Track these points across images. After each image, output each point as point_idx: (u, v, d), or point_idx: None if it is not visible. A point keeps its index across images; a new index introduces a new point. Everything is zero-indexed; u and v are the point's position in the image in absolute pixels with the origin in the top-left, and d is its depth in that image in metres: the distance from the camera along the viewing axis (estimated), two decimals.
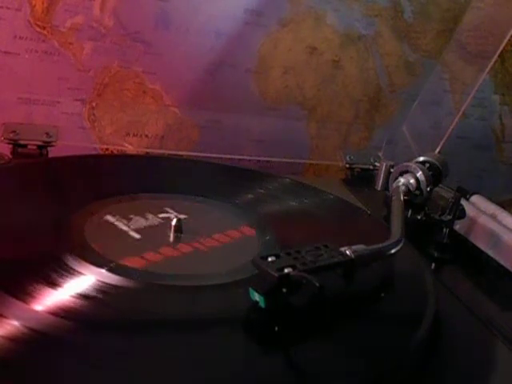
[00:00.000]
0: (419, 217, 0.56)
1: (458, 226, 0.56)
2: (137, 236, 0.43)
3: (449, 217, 0.54)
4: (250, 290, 0.33)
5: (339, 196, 0.59)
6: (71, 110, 0.67)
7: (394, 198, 0.53)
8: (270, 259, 0.35)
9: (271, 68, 0.72)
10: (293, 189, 0.59)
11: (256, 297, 0.33)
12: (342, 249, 0.38)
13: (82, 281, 0.35)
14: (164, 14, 0.65)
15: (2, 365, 0.27)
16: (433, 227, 0.55)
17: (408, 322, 0.37)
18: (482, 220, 0.55)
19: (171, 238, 0.44)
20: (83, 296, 0.33)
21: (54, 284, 0.34)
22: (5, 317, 0.30)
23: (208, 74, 0.69)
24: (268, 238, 0.46)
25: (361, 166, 0.75)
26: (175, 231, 0.44)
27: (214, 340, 0.32)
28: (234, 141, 0.74)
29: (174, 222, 0.44)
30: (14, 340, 0.29)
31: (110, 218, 0.45)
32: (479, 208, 0.58)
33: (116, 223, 0.45)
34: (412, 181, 0.56)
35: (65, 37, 0.63)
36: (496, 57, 0.72)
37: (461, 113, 0.75)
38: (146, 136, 0.71)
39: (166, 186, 0.54)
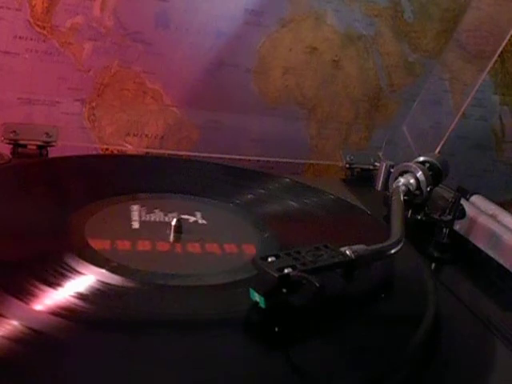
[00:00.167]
0: (419, 217, 0.56)
1: (458, 226, 0.56)
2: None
3: (449, 217, 0.54)
4: (251, 290, 0.34)
5: (339, 196, 0.59)
6: (71, 110, 0.67)
7: (393, 198, 0.53)
8: (269, 259, 0.35)
9: (271, 68, 0.72)
10: (293, 189, 0.59)
11: (256, 297, 0.33)
12: (342, 249, 0.38)
13: (82, 281, 0.35)
14: (164, 13, 0.65)
15: (2, 365, 0.27)
16: (433, 227, 0.55)
17: (408, 322, 0.37)
18: (482, 220, 0.55)
19: (171, 238, 0.44)
20: (83, 296, 0.33)
21: (54, 284, 0.34)
22: (5, 317, 0.30)
23: (208, 74, 0.69)
24: (268, 238, 0.46)
25: (361, 166, 0.75)
26: (175, 231, 0.44)
27: (214, 340, 0.32)
28: (233, 141, 0.74)
29: (173, 222, 0.44)
30: (14, 340, 0.29)
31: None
32: (479, 208, 0.58)
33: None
34: (412, 181, 0.56)
35: (65, 37, 0.63)
36: (496, 57, 0.72)
37: (461, 113, 0.75)
38: (146, 136, 0.71)
39: (166, 185, 0.54)
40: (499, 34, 0.71)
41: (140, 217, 0.46)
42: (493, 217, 0.56)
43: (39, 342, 0.29)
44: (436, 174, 0.58)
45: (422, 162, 0.58)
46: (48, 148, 0.62)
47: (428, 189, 0.56)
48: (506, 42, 0.70)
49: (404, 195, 0.54)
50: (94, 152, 0.70)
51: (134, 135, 0.71)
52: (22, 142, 0.61)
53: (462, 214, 0.56)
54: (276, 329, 0.33)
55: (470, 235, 0.55)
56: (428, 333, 0.36)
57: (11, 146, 0.61)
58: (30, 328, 0.30)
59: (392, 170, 0.60)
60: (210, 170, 0.61)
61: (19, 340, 0.29)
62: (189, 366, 0.30)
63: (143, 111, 0.70)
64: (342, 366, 0.32)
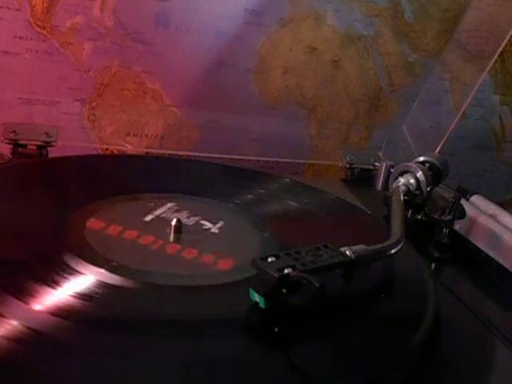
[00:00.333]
0: (419, 217, 0.56)
1: (458, 226, 0.56)
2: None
3: (449, 217, 0.54)
4: (250, 290, 0.34)
5: (339, 196, 0.59)
6: (71, 110, 0.67)
7: (393, 198, 0.53)
8: (269, 260, 0.35)
9: (271, 68, 0.72)
10: (293, 189, 0.59)
11: (256, 297, 0.33)
12: (342, 249, 0.38)
13: (82, 281, 0.35)
14: (164, 13, 0.65)
15: (2, 365, 0.27)
16: (433, 227, 0.55)
17: (408, 322, 0.37)
18: (482, 220, 0.55)
19: (171, 238, 0.44)
20: (83, 296, 0.33)
21: (53, 284, 0.34)
22: (5, 317, 0.30)
23: (208, 74, 0.69)
24: (268, 238, 0.46)
25: (361, 166, 0.75)
26: (175, 231, 0.44)
27: (214, 340, 0.32)
28: (233, 141, 0.74)
29: (173, 223, 0.44)
30: (14, 340, 0.29)
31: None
32: (479, 208, 0.58)
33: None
34: (412, 181, 0.56)
35: (65, 37, 0.63)
36: (496, 57, 0.72)
37: (461, 113, 0.75)
38: (146, 136, 0.71)
39: (166, 185, 0.54)
40: (499, 34, 0.71)
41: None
42: (493, 217, 0.56)
43: (39, 342, 0.29)
44: (436, 174, 0.58)
45: (422, 162, 0.58)
46: (48, 148, 0.62)
47: (428, 189, 0.56)
48: (505, 42, 0.70)
49: (404, 195, 0.54)
50: (94, 152, 0.70)
51: (134, 135, 0.71)
52: (21, 142, 0.61)
53: (462, 214, 0.56)
54: (276, 329, 0.33)
55: (470, 235, 0.55)
56: (428, 333, 0.36)
57: (11, 146, 0.61)
58: (29, 328, 0.30)
59: (392, 170, 0.60)
60: (210, 170, 0.61)
61: (19, 340, 0.29)
62: (189, 366, 0.30)
63: (143, 111, 0.70)
64: (341, 365, 0.32)
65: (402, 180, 0.56)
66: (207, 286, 0.38)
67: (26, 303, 0.32)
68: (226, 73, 0.70)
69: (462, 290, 0.48)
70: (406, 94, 0.78)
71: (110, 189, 0.50)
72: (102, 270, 0.37)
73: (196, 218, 0.47)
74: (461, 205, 0.55)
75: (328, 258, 0.36)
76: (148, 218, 0.46)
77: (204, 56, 0.68)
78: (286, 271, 0.33)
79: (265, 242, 0.45)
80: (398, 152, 0.78)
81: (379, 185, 0.70)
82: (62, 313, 0.32)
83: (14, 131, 0.61)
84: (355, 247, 0.38)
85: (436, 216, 0.55)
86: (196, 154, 0.71)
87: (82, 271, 0.36)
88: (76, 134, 0.68)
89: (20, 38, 0.62)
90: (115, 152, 0.71)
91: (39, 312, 0.31)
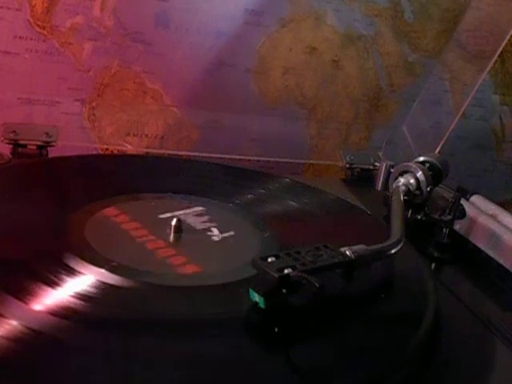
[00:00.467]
0: (419, 217, 0.56)
1: (458, 226, 0.56)
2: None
3: (449, 217, 0.54)
4: (250, 290, 0.34)
5: (339, 196, 0.59)
6: (71, 110, 0.67)
7: (393, 198, 0.53)
8: (269, 260, 0.35)
9: (271, 68, 0.72)
10: (293, 189, 0.59)
11: (256, 297, 0.33)
12: (342, 249, 0.38)
13: (82, 281, 0.35)
14: (164, 13, 0.65)
15: (2, 365, 0.27)
16: (433, 227, 0.55)
17: (408, 322, 0.37)
18: (482, 220, 0.55)
19: (171, 238, 0.44)
20: (83, 296, 0.33)
21: (53, 284, 0.34)
22: (4, 317, 0.30)
23: (208, 74, 0.69)
24: (268, 238, 0.46)
25: (361, 166, 0.75)
26: (175, 231, 0.44)
27: (214, 340, 0.32)
28: (234, 141, 0.74)
29: (173, 222, 0.44)
30: (14, 340, 0.29)
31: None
32: (479, 208, 0.58)
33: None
34: (412, 181, 0.56)
35: (65, 37, 0.63)
36: (496, 57, 0.72)
37: (461, 113, 0.75)
38: (146, 136, 0.71)
39: (166, 185, 0.54)
40: (499, 34, 0.71)
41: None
42: (493, 217, 0.56)
43: (39, 342, 0.29)
44: (436, 174, 0.58)
45: (422, 162, 0.58)
46: (48, 148, 0.62)
47: (428, 189, 0.56)
48: (505, 42, 0.70)
49: (404, 195, 0.54)
50: (94, 152, 0.70)
51: (134, 135, 0.71)
52: (21, 142, 0.61)
53: (462, 214, 0.56)
54: (276, 329, 0.33)
55: (470, 235, 0.55)
56: (428, 333, 0.36)
57: (11, 146, 0.61)
58: (29, 328, 0.30)
59: (392, 170, 0.60)
60: (209, 170, 0.61)
61: (19, 340, 0.29)
62: (189, 366, 0.30)
63: (143, 111, 0.70)
64: (341, 365, 0.32)
65: (401, 180, 0.56)
66: (207, 286, 0.38)
67: (26, 303, 0.32)
68: (225, 73, 0.70)
69: (461, 289, 0.48)
70: (406, 93, 0.78)
71: (110, 189, 0.50)
72: (102, 270, 0.37)
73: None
74: (461, 205, 0.55)
75: (328, 258, 0.36)
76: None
77: (204, 56, 0.68)
78: (286, 271, 0.33)
79: (265, 242, 0.45)
80: (398, 152, 0.78)
81: (379, 185, 0.70)
82: (61, 313, 0.32)
83: (14, 131, 0.61)
84: (355, 247, 0.38)
85: (436, 216, 0.55)
86: (196, 153, 0.71)
87: (82, 271, 0.36)
88: (76, 134, 0.68)
89: (20, 38, 0.62)
90: (115, 152, 0.71)
91: (39, 312, 0.31)
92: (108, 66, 0.66)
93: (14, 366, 0.27)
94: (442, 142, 0.73)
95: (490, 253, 0.53)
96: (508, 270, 0.50)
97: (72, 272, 0.36)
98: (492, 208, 0.57)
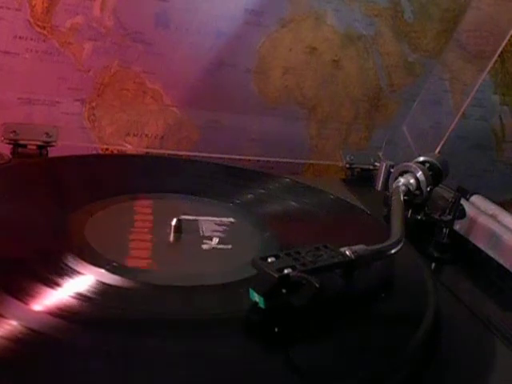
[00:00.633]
0: (419, 217, 0.56)
1: (458, 226, 0.56)
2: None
3: (449, 217, 0.54)
4: (250, 290, 0.34)
5: (339, 196, 0.59)
6: (71, 110, 0.67)
7: (393, 198, 0.53)
8: (269, 260, 0.35)
9: (271, 68, 0.72)
10: (293, 189, 0.59)
11: (256, 297, 0.33)
12: (342, 249, 0.38)
13: (82, 281, 0.35)
14: (164, 13, 0.65)
15: (2, 365, 0.27)
16: (433, 227, 0.55)
17: (408, 321, 0.37)
18: (482, 220, 0.55)
19: (171, 238, 0.44)
20: (83, 296, 0.33)
21: (53, 284, 0.34)
22: (5, 317, 0.30)
23: (208, 74, 0.69)
24: (268, 238, 0.46)
25: (361, 166, 0.75)
26: (175, 231, 0.44)
27: (214, 340, 0.32)
28: (233, 141, 0.74)
29: (173, 222, 0.44)
30: (14, 340, 0.29)
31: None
32: (479, 208, 0.58)
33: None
34: (412, 181, 0.56)
35: (65, 37, 0.63)
36: (496, 57, 0.72)
37: (461, 113, 0.75)
38: (146, 136, 0.71)
39: (166, 185, 0.54)
40: (499, 34, 0.71)
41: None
42: (493, 217, 0.56)
43: (39, 342, 0.29)
44: (436, 174, 0.58)
45: (422, 162, 0.58)
46: (48, 148, 0.62)
47: (428, 189, 0.56)
48: (506, 42, 0.70)
49: (404, 195, 0.54)
50: (94, 152, 0.70)
51: (134, 135, 0.71)
52: (22, 142, 0.61)
53: (462, 214, 0.56)
54: (276, 329, 0.33)
55: (470, 235, 0.55)
56: (428, 333, 0.36)
57: (11, 146, 0.61)
58: (29, 328, 0.30)
59: (392, 170, 0.60)
60: (210, 170, 0.61)
61: (19, 340, 0.29)
62: (189, 366, 0.30)
63: (143, 111, 0.70)
64: (342, 365, 0.32)
65: (402, 180, 0.56)
66: (207, 286, 0.38)
67: (26, 303, 0.32)
68: (226, 73, 0.70)
69: (461, 289, 0.48)
70: (406, 93, 0.78)
71: (110, 189, 0.50)
72: (102, 270, 0.37)
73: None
74: (461, 205, 0.55)
75: (328, 258, 0.36)
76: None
77: (204, 56, 0.68)
78: (285, 271, 0.33)
79: (265, 242, 0.45)
80: (398, 152, 0.78)
81: (379, 185, 0.70)
82: (61, 313, 0.31)
83: (14, 131, 0.61)
84: (355, 247, 0.38)
85: (436, 216, 0.55)
86: (196, 153, 0.71)
87: (82, 271, 0.36)
88: (76, 134, 0.68)
89: (20, 38, 0.62)
90: (115, 152, 0.71)
91: (39, 312, 0.31)
92: (108, 65, 0.66)
93: (14, 366, 0.27)
94: (442, 142, 0.73)
95: (490, 253, 0.53)
96: (508, 270, 0.50)
97: (72, 272, 0.36)
98: (492, 208, 0.57)
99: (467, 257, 0.54)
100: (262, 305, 0.33)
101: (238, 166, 0.66)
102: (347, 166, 0.74)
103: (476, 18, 0.73)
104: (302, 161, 0.79)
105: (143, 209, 0.48)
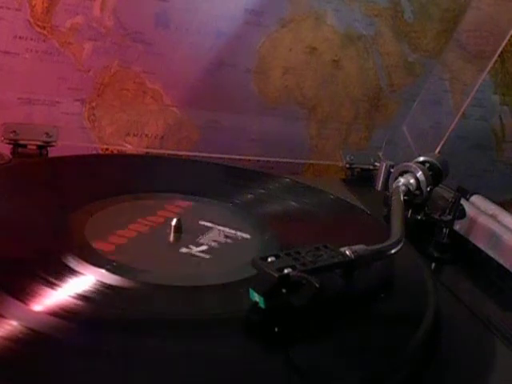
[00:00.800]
0: (419, 217, 0.56)
1: (458, 226, 0.56)
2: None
3: (449, 217, 0.54)
4: (250, 290, 0.34)
5: (339, 196, 0.59)
6: (71, 110, 0.67)
7: (393, 198, 0.53)
8: (269, 260, 0.35)
9: (271, 68, 0.72)
10: (293, 189, 0.59)
11: (256, 297, 0.33)
12: (342, 249, 0.38)
13: (82, 281, 0.35)
14: (164, 13, 0.65)
15: (1, 365, 0.27)
16: (433, 227, 0.55)
17: (408, 321, 0.37)
18: (482, 220, 0.55)
19: (171, 238, 0.44)
20: (83, 296, 0.33)
21: (53, 284, 0.34)
22: (5, 317, 0.30)
23: (208, 74, 0.69)
24: (268, 238, 0.46)
25: (361, 166, 0.75)
26: (175, 231, 0.44)
27: (214, 340, 0.32)
28: (233, 141, 0.74)
29: (173, 222, 0.44)
30: (14, 340, 0.29)
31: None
32: (479, 208, 0.58)
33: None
34: (412, 181, 0.56)
35: (65, 37, 0.63)
36: (496, 57, 0.72)
37: (461, 113, 0.75)
38: (146, 136, 0.71)
39: (166, 185, 0.54)
40: (499, 34, 0.71)
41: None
42: (493, 217, 0.56)
43: (39, 342, 0.29)
44: (436, 174, 0.58)
45: (422, 162, 0.58)
46: (48, 148, 0.62)
47: (428, 189, 0.56)
48: (506, 42, 0.70)
49: (404, 195, 0.54)
50: (94, 152, 0.70)
51: (134, 135, 0.71)
52: (21, 142, 0.61)
53: (462, 214, 0.56)
54: (276, 329, 0.33)
55: (470, 235, 0.55)
56: (428, 333, 0.36)
57: (11, 146, 0.61)
58: (29, 328, 0.30)
59: (392, 170, 0.60)
60: (210, 170, 0.61)
61: (19, 340, 0.29)
62: (189, 366, 0.30)
63: (143, 111, 0.70)
64: (341, 365, 0.32)
65: (402, 180, 0.56)
66: (207, 286, 0.38)
67: (26, 303, 0.32)
68: (226, 73, 0.70)
69: (461, 289, 0.48)
70: (406, 93, 0.78)
71: (110, 189, 0.50)
72: (102, 270, 0.37)
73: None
74: (461, 205, 0.55)
75: (328, 258, 0.36)
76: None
77: (204, 56, 0.68)
78: (285, 271, 0.33)
79: (265, 242, 0.45)
80: (398, 152, 0.78)
81: (379, 185, 0.70)
82: (61, 313, 0.31)
83: (14, 131, 0.61)
84: (355, 247, 0.38)
85: (436, 216, 0.55)
86: (196, 153, 0.71)
87: (82, 271, 0.36)
88: (76, 134, 0.68)
89: (20, 38, 0.62)
90: (115, 152, 0.71)
91: (39, 312, 0.31)
92: (108, 65, 0.66)
93: (14, 366, 0.27)
94: (442, 142, 0.73)
95: (490, 253, 0.53)
96: (508, 270, 0.50)
97: (72, 272, 0.36)
98: (492, 208, 0.57)
99: (467, 257, 0.54)
100: (262, 305, 0.33)
101: (238, 165, 0.66)
102: (347, 165, 0.74)
103: (476, 18, 0.73)
104: (302, 161, 0.79)
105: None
